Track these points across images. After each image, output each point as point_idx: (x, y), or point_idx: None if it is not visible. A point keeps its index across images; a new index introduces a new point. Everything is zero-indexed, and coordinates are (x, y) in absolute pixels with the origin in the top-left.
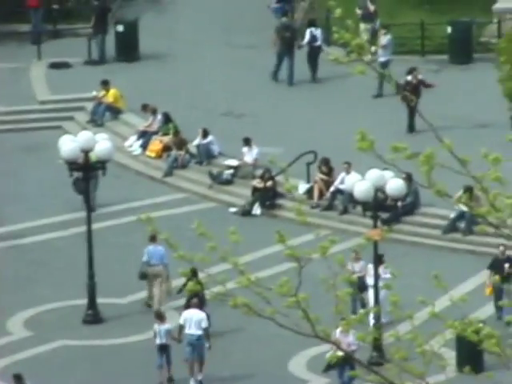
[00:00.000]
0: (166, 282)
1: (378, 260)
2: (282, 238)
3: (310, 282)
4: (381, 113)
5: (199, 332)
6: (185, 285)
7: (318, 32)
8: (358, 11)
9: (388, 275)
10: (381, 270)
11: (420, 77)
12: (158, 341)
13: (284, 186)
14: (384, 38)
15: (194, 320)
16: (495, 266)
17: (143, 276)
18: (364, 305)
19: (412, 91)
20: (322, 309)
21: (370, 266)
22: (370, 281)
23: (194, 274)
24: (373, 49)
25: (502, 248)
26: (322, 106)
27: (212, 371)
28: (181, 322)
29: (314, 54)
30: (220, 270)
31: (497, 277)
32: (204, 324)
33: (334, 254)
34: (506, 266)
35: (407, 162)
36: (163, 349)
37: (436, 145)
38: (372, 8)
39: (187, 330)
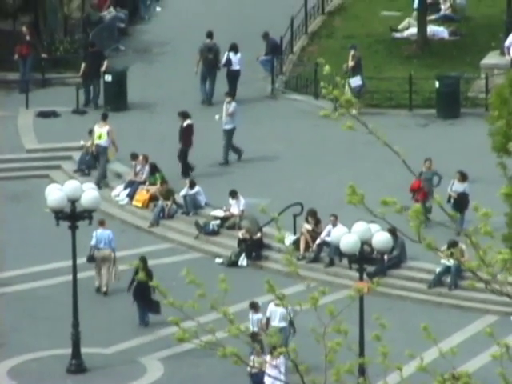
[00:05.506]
0: (114, 265)
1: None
2: (272, 287)
3: (299, 333)
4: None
5: (283, 324)
6: (133, 280)
7: (236, 57)
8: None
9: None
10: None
11: None
12: (250, 328)
13: (275, 236)
14: (230, 106)
15: (278, 313)
16: None
17: (91, 259)
18: None
19: None
20: (311, 359)
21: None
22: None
23: (144, 263)
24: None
25: None
26: (309, 155)
27: None
28: (267, 314)
29: (230, 77)
30: (209, 320)
31: None
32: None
33: (321, 305)
34: None
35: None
36: (254, 336)
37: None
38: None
39: (272, 323)
